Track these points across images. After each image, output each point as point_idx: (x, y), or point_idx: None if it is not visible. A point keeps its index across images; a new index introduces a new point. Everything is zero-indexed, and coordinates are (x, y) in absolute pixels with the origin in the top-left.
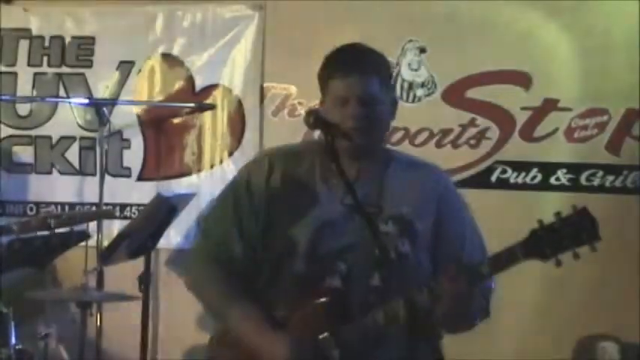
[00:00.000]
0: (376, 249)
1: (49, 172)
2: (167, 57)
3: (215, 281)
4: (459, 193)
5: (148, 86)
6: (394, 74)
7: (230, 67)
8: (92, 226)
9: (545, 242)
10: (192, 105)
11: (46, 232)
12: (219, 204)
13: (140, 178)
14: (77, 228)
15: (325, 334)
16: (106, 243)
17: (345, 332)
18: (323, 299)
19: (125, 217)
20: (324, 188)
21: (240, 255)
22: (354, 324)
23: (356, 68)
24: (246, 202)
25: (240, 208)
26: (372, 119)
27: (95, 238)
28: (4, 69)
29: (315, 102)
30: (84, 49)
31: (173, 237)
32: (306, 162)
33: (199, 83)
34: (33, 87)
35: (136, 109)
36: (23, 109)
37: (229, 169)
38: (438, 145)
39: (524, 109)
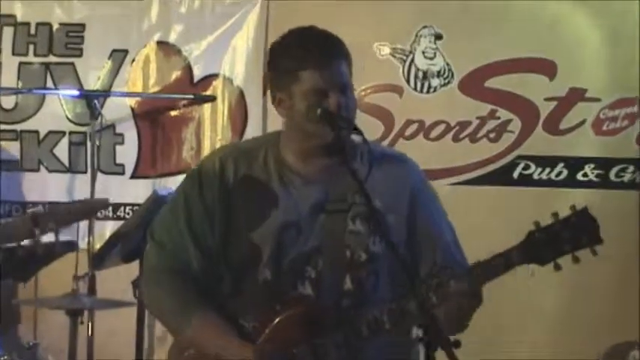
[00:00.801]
0: (346, 250)
1: (37, 170)
2: (163, 45)
3: (173, 292)
4: (430, 185)
5: (142, 77)
6: (408, 63)
7: (231, 55)
8: (83, 228)
9: (543, 246)
10: (190, 96)
11: (29, 243)
12: (171, 211)
13: (134, 176)
14: (63, 238)
15: (300, 346)
16: (97, 245)
17: (321, 345)
18: (295, 308)
19: (118, 218)
20: (281, 187)
21: (198, 264)
22: (331, 334)
23: (330, 55)
24: (199, 207)
25: (193, 214)
26: (350, 108)
27: (86, 240)
28: None
29: None
30: (73, 36)
31: None
32: (259, 160)
33: (198, 73)
34: (18, 78)
35: (130, 102)
36: (8, 101)
37: None
38: (455, 138)
39: (548, 99)
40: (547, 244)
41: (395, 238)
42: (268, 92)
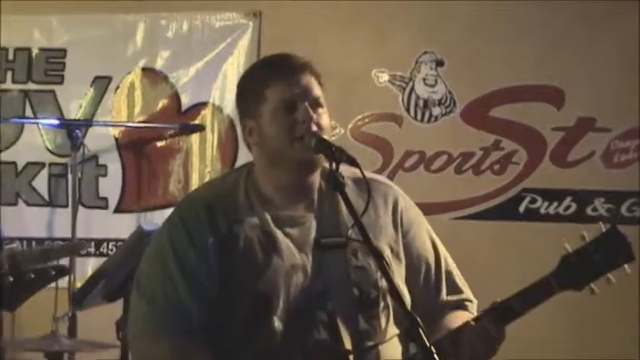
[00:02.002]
0: (354, 288)
1: (14, 204)
2: (149, 71)
3: (173, 354)
4: (412, 203)
5: (127, 105)
6: (408, 91)
7: (221, 82)
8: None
9: (580, 269)
10: (177, 126)
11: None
12: (158, 262)
13: (118, 210)
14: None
15: None
16: (78, 284)
17: None
18: (316, 357)
19: (101, 254)
20: (275, 229)
21: (199, 320)
22: None
23: (299, 68)
24: (191, 255)
25: (185, 263)
26: (322, 124)
27: (67, 278)
28: None
29: None
30: (53, 62)
31: None
32: (241, 201)
33: (186, 101)
34: None
35: (114, 131)
36: None
37: None
38: (458, 170)
39: (555, 129)
40: (583, 267)
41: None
42: None
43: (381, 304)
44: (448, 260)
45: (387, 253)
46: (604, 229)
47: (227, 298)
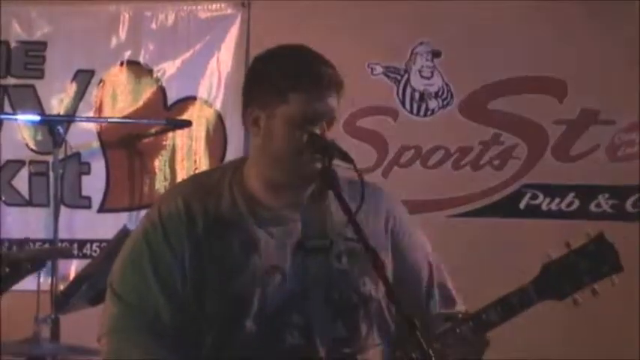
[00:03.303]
0: (334, 291)
1: None
2: (133, 65)
3: (144, 351)
4: (405, 209)
5: (110, 100)
6: (403, 83)
7: (208, 76)
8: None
9: (561, 279)
10: (163, 121)
11: None
12: (132, 263)
13: (102, 210)
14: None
15: None
16: (61, 287)
17: None
18: None
19: (85, 256)
20: (256, 228)
21: (169, 318)
22: None
23: (326, 84)
24: (166, 254)
25: (159, 262)
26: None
27: (49, 280)
28: None
29: None
30: (33, 55)
31: None
32: (225, 196)
33: (172, 96)
34: None
35: (97, 128)
36: None
37: None
38: (456, 166)
39: (557, 122)
40: (564, 276)
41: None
42: None
43: (362, 311)
44: (442, 272)
45: (384, 257)
46: (591, 236)
47: (201, 299)
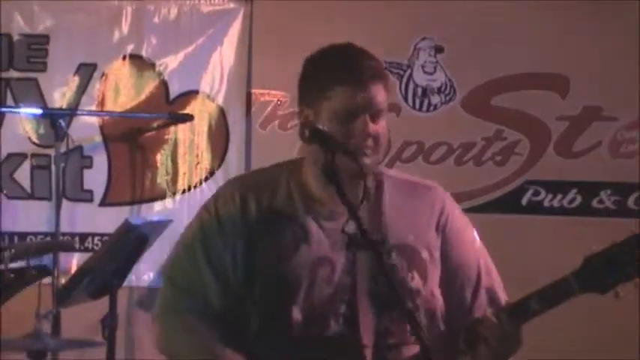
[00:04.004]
0: (383, 287)
1: None
2: (135, 59)
3: (193, 333)
4: (462, 213)
5: (112, 94)
6: (405, 78)
7: (210, 71)
8: (46, 259)
9: (603, 272)
10: (165, 115)
11: None
12: (186, 247)
13: (104, 203)
14: (35, 262)
15: None
16: (63, 280)
17: None
18: (331, 349)
19: (86, 250)
20: (309, 220)
21: (219, 305)
22: None
23: (372, 75)
24: (219, 243)
25: (212, 251)
26: (380, 135)
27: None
28: None
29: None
30: (36, 49)
31: (144, 272)
32: (282, 190)
33: (174, 90)
34: None
35: (99, 121)
36: None
37: (210, 192)
38: (458, 162)
39: (560, 118)
40: (607, 269)
41: (432, 277)
42: (252, 112)
43: (409, 305)
44: (492, 276)
45: (425, 255)
46: (635, 231)
47: (251, 285)
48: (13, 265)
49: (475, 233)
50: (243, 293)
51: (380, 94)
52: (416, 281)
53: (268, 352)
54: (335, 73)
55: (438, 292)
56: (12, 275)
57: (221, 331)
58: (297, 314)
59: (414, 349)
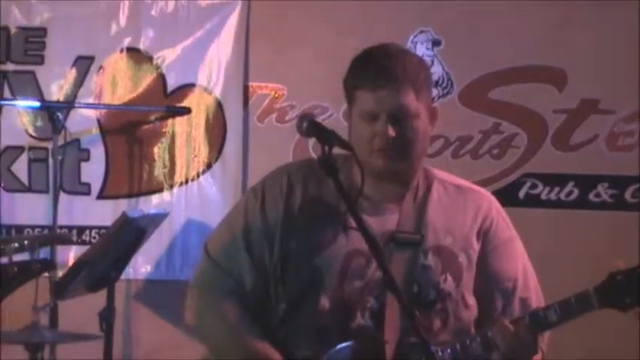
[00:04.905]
0: (414, 285)
1: None
2: (133, 51)
3: (223, 315)
4: (509, 222)
5: (110, 86)
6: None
7: (208, 64)
8: (43, 252)
9: (625, 290)
10: (163, 108)
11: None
12: (228, 226)
13: (101, 196)
14: (38, 256)
15: None
16: (60, 273)
17: None
18: (353, 341)
19: (84, 242)
20: (350, 211)
21: (252, 286)
22: None
23: (386, 77)
24: (259, 226)
25: (252, 232)
26: (405, 137)
27: None
28: None
29: (308, 104)
30: (33, 41)
31: (141, 265)
32: (329, 181)
33: (172, 83)
34: None
35: (97, 114)
36: None
37: (207, 185)
38: (455, 155)
39: (557, 111)
40: (629, 288)
41: (466, 281)
42: (249, 105)
43: (438, 307)
44: (529, 289)
45: (462, 258)
46: None
47: (284, 269)
48: (15, 259)
49: (519, 244)
50: (276, 277)
51: (402, 96)
52: (448, 283)
53: (292, 337)
54: (359, 76)
55: (470, 296)
56: (15, 269)
57: (251, 312)
58: (325, 302)
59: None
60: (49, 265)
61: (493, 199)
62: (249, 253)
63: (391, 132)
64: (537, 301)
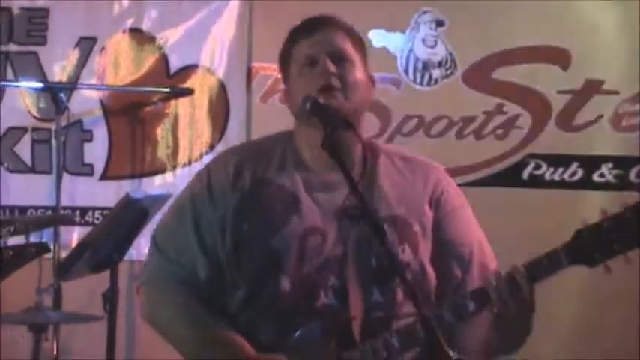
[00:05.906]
0: (373, 258)
1: None
2: (136, 32)
3: (178, 305)
4: (459, 191)
5: (113, 67)
6: (406, 52)
7: (211, 44)
8: (47, 233)
9: (593, 245)
10: (166, 89)
11: None
12: (175, 215)
13: (104, 177)
14: (34, 239)
15: None
16: (63, 254)
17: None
18: (318, 320)
19: (87, 224)
20: (302, 191)
21: (205, 274)
22: (362, 348)
23: (323, 23)
24: (208, 212)
25: (201, 220)
26: (345, 78)
27: (51, 248)
28: None
29: None
30: (36, 23)
31: (144, 246)
32: (276, 160)
33: (174, 64)
34: None
35: (99, 95)
36: None
37: None
38: (459, 135)
39: (561, 92)
40: (597, 243)
41: (423, 250)
42: (252, 85)
43: (406, 277)
44: (485, 253)
45: (417, 228)
46: (628, 205)
47: (238, 254)
48: (12, 241)
49: (471, 212)
50: (230, 262)
51: (339, 39)
52: (406, 254)
53: (254, 322)
54: (293, 36)
55: (429, 265)
56: (11, 253)
57: (206, 301)
58: (285, 284)
59: (403, 321)
60: (45, 248)
61: (442, 169)
62: (200, 241)
63: (332, 67)
64: (492, 263)
